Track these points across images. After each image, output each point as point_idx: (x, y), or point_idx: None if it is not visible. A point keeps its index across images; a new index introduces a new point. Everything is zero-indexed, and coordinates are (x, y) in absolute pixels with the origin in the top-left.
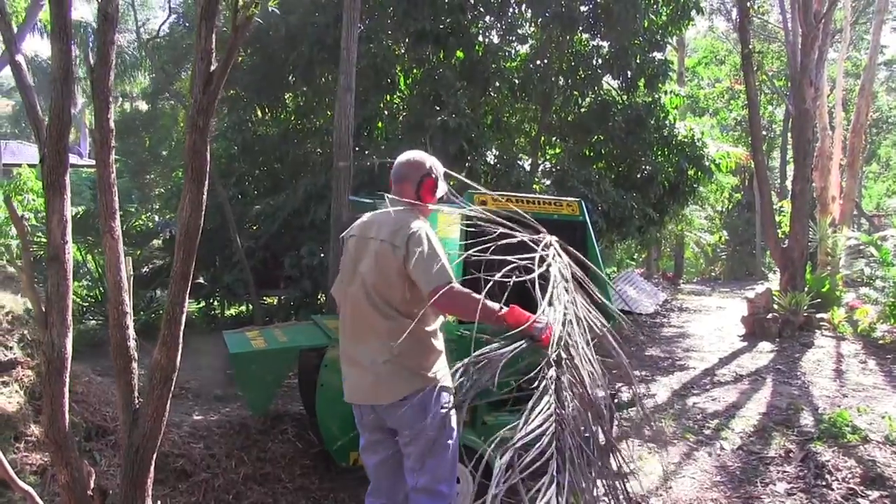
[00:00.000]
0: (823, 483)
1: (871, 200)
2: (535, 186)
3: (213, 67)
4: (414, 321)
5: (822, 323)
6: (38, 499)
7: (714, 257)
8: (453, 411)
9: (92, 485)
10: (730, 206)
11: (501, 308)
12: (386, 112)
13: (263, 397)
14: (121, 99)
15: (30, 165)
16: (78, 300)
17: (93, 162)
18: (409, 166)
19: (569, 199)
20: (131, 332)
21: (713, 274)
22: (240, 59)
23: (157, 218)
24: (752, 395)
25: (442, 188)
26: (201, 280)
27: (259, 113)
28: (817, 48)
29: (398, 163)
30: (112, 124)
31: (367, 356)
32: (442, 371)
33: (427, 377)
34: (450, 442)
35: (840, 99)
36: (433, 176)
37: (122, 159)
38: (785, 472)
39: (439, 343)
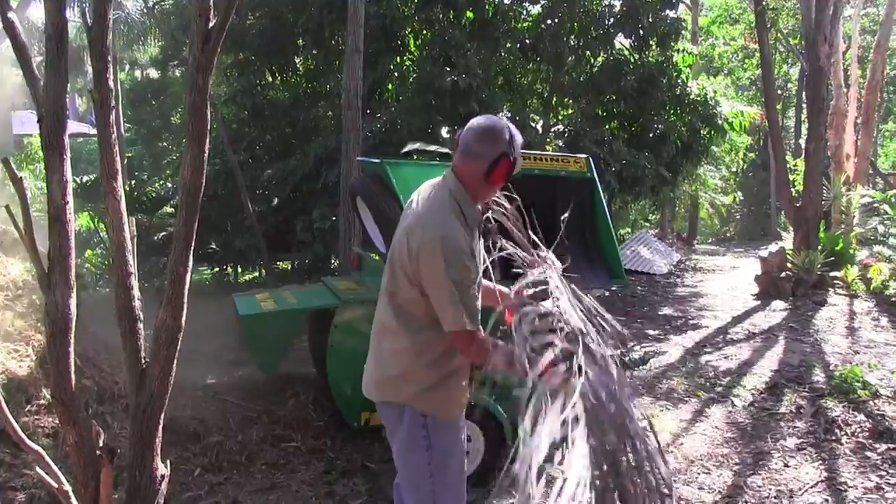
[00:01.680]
0: (833, 437)
1: (887, 159)
2: (547, 147)
3: (211, 24)
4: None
5: (835, 281)
6: (48, 458)
7: (728, 217)
8: (443, 449)
9: (100, 444)
10: (744, 166)
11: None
12: (396, 74)
13: (273, 359)
14: (128, 67)
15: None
16: (92, 268)
17: None
18: (486, 139)
19: (577, 155)
20: (136, 292)
21: (728, 234)
22: (248, 22)
23: (168, 185)
24: (765, 352)
25: (518, 168)
26: (213, 246)
27: (269, 77)
28: (832, 4)
29: (472, 130)
30: (111, 84)
31: (376, 349)
32: (438, 399)
33: (412, 395)
34: (419, 459)
35: (856, 56)
36: (512, 157)
37: (133, 127)
38: (796, 427)
39: (446, 366)
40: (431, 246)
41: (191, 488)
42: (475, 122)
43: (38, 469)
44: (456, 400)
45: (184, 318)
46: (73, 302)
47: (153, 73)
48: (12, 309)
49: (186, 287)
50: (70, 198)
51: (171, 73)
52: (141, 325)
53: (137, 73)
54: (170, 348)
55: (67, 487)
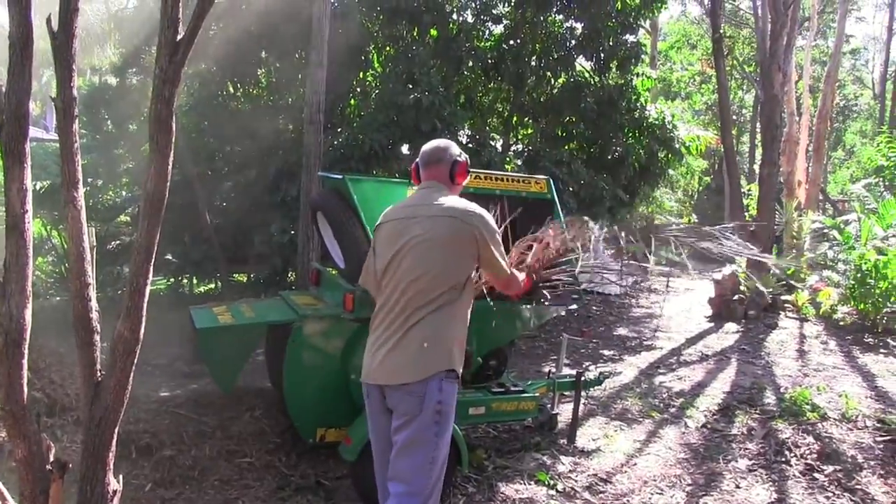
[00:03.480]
0: (783, 459)
1: (836, 186)
2: (506, 166)
3: (179, 37)
4: (457, 301)
5: (786, 305)
6: None
7: None
8: (452, 413)
9: (51, 459)
10: (699, 190)
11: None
12: (358, 89)
13: (230, 373)
14: (89, 72)
15: None
16: (42, 276)
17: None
18: (441, 150)
19: (537, 177)
20: (94, 303)
21: (682, 256)
22: (211, 32)
23: (124, 193)
24: (718, 374)
25: (470, 174)
26: (170, 257)
27: (230, 88)
28: (786, 35)
29: (428, 149)
30: (75, 93)
31: (397, 335)
32: (457, 353)
33: (447, 359)
34: (435, 441)
35: (807, 86)
36: (464, 159)
37: (88, 134)
38: (747, 449)
39: (465, 325)
40: (485, 220)
41: (142, 503)
42: (428, 145)
43: None
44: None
45: (142, 330)
46: (28, 312)
47: (111, 80)
48: None
49: (146, 299)
50: (29, 206)
51: (130, 81)
52: (98, 337)
53: (95, 79)
54: (127, 361)
55: (12, 502)
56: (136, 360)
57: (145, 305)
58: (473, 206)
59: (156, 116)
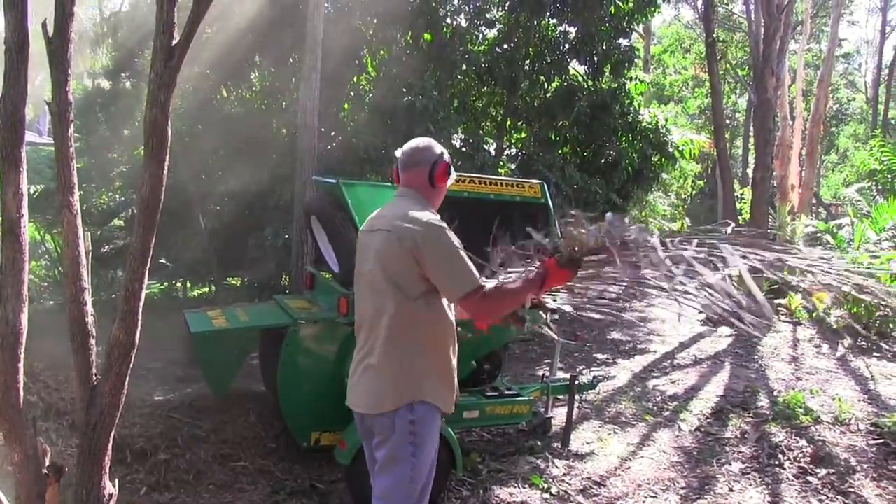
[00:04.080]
0: (776, 462)
1: (830, 189)
2: (500, 170)
3: (174, 41)
4: (416, 323)
5: (779, 308)
6: None
7: None
8: (434, 437)
9: (47, 462)
10: (693, 194)
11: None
12: (352, 94)
13: (224, 377)
14: (85, 76)
15: None
16: (36, 280)
17: (50, 140)
18: (421, 151)
19: (531, 181)
20: (89, 307)
21: None
22: (205, 35)
23: (118, 197)
24: (711, 377)
25: (453, 174)
26: (163, 261)
27: (224, 92)
28: (779, 39)
29: (407, 149)
30: (71, 97)
31: (360, 354)
32: (431, 387)
33: (415, 391)
34: (409, 461)
35: (800, 90)
36: (446, 159)
37: (83, 138)
38: (740, 452)
39: (437, 351)
40: (431, 228)
41: None
42: (407, 145)
43: None
44: (452, 384)
45: (138, 334)
46: (24, 316)
47: (104, 83)
48: None
49: (141, 303)
50: (25, 211)
51: (124, 84)
52: (93, 341)
53: (88, 83)
54: (122, 365)
55: None
56: (131, 364)
57: (141, 309)
58: (416, 218)
59: (151, 121)
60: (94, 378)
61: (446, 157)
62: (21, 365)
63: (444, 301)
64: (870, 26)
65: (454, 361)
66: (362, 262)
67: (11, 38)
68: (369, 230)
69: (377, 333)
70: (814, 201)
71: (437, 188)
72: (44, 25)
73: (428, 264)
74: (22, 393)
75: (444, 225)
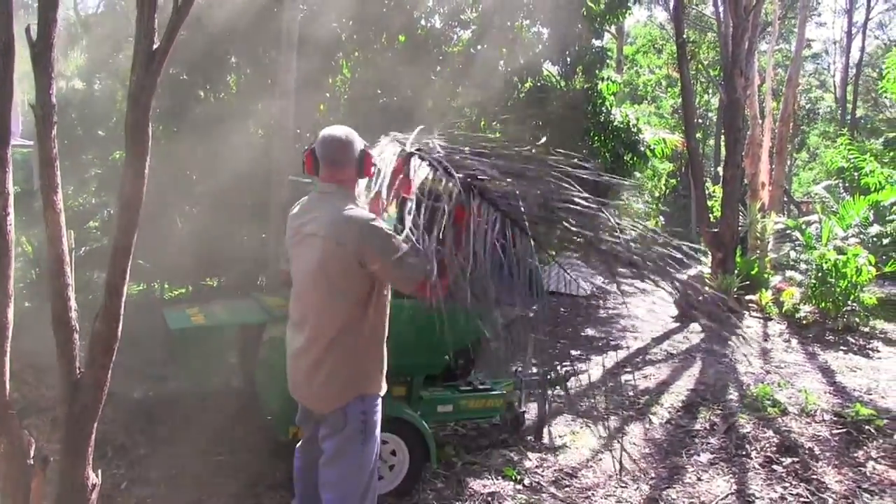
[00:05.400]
0: (744, 453)
1: (801, 187)
2: None
3: (155, 46)
4: (356, 322)
5: (750, 304)
6: None
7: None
8: (378, 423)
9: (32, 454)
10: (666, 192)
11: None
12: (328, 94)
13: (203, 373)
14: (59, 77)
15: None
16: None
17: (25, 141)
18: (346, 146)
19: None
20: (73, 303)
21: None
22: (181, 35)
23: (93, 200)
24: (683, 372)
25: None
26: (141, 261)
27: (202, 93)
28: (747, 40)
29: (329, 144)
30: (54, 100)
31: (307, 355)
32: (376, 378)
33: (365, 384)
34: (366, 447)
35: (770, 89)
36: (369, 150)
37: (57, 139)
38: (709, 443)
39: (379, 345)
40: (368, 230)
41: (115, 500)
42: (325, 137)
43: None
44: (384, 365)
45: (119, 329)
46: (10, 312)
47: (78, 84)
48: None
49: (123, 299)
50: (11, 210)
51: (99, 85)
52: (76, 336)
53: (63, 84)
54: (105, 358)
55: None
56: (113, 357)
57: (122, 305)
58: (353, 218)
59: (133, 123)
60: (78, 371)
61: (364, 145)
62: (7, 359)
63: (385, 292)
64: (836, 27)
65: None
66: (301, 262)
67: None
68: (300, 230)
69: (323, 333)
70: (785, 199)
71: (365, 176)
72: (27, 30)
73: (374, 264)
74: (8, 386)
75: (380, 221)
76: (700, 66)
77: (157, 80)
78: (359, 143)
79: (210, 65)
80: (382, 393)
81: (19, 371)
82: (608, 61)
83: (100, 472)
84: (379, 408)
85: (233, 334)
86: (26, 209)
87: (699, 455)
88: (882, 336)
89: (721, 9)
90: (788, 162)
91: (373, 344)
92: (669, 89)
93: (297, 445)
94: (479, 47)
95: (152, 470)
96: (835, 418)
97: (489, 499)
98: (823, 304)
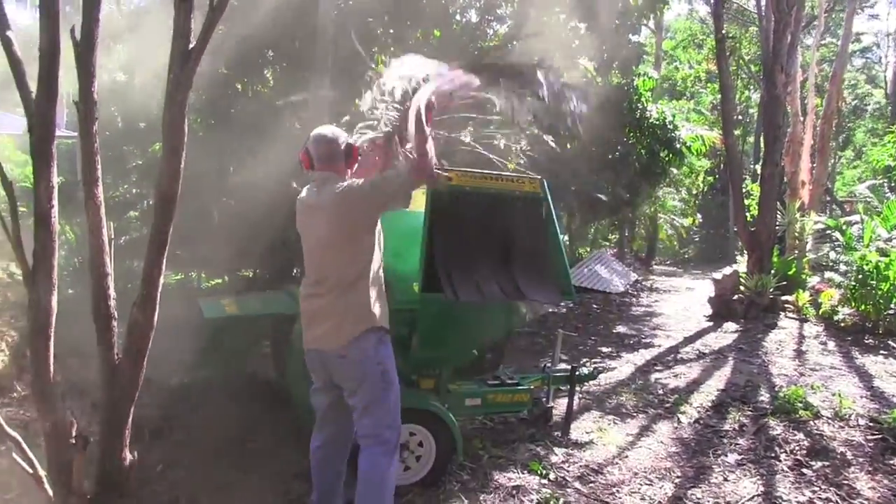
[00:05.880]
0: (772, 455)
1: (845, 186)
2: (508, 164)
3: (191, 45)
4: (361, 271)
5: (786, 305)
6: (24, 446)
7: (688, 239)
8: (392, 359)
9: (74, 434)
10: (704, 189)
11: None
12: (363, 89)
13: (236, 362)
14: (101, 70)
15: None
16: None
17: (69, 133)
18: (332, 145)
19: (531, 176)
20: (112, 292)
21: (686, 256)
22: (219, 30)
23: (133, 190)
24: (714, 372)
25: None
26: (179, 252)
27: (238, 87)
28: (789, 35)
29: (319, 145)
30: (96, 97)
31: (327, 304)
32: (382, 314)
33: (371, 319)
34: (391, 389)
35: (813, 85)
36: (351, 142)
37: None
38: (737, 444)
39: (381, 285)
40: (346, 189)
41: (152, 483)
42: (316, 137)
43: (14, 455)
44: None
45: (156, 317)
46: (53, 299)
47: (120, 77)
48: None
49: (159, 288)
50: (55, 202)
51: (138, 79)
52: (115, 323)
53: (105, 77)
54: (141, 345)
55: (42, 473)
56: (149, 345)
57: (158, 295)
58: (341, 186)
59: (169, 120)
60: (116, 357)
61: (349, 137)
62: (51, 344)
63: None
64: (891, 19)
65: None
66: (314, 232)
67: (45, 45)
68: (310, 207)
69: (342, 282)
70: (826, 198)
71: (349, 167)
72: (72, 31)
73: (365, 200)
74: (52, 370)
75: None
76: (741, 61)
77: (192, 79)
78: (343, 138)
79: (246, 59)
80: (387, 328)
81: (61, 355)
82: (645, 57)
83: (136, 453)
84: (392, 355)
85: (265, 324)
86: (70, 199)
87: (727, 455)
88: None
89: (763, 3)
90: (831, 160)
91: (375, 284)
92: (709, 85)
93: (314, 436)
94: (514, 42)
95: (186, 454)
96: (870, 424)
97: (514, 492)
98: (863, 307)
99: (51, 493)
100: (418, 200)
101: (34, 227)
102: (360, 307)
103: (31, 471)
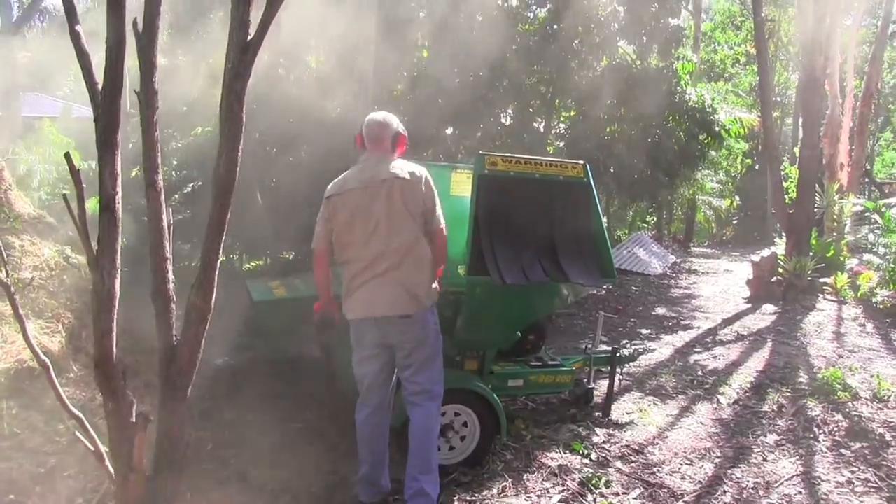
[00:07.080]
0: (811, 435)
1: (884, 168)
2: (548, 148)
3: (249, 37)
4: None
5: (825, 287)
6: (87, 423)
7: (726, 221)
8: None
9: (135, 412)
10: (742, 171)
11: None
12: (404, 73)
13: (284, 343)
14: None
15: (50, 119)
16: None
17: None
18: (384, 127)
19: (574, 161)
20: (171, 275)
21: (724, 238)
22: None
23: (175, 174)
24: (752, 354)
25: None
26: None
27: (281, 72)
28: (828, 17)
29: (372, 125)
30: (157, 87)
31: (396, 273)
32: (435, 293)
33: (431, 295)
34: (440, 348)
35: (852, 67)
36: (402, 131)
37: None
38: (776, 425)
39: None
40: (427, 178)
41: (202, 461)
42: (369, 121)
43: (77, 433)
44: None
45: (213, 300)
46: (117, 281)
47: (162, 61)
48: (45, 288)
49: (216, 272)
50: (119, 189)
51: (181, 61)
52: (174, 306)
53: None
54: (199, 327)
55: (103, 449)
56: (207, 327)
57: (216, 278)
58: (415, 167)
59: (227, 109)
60: (175, 338)
61: (401, 128)
62: (114, 325)
63: None
64: None
65: None
66: (376, 208)
67: (112, 38)
68: (369, 184)
69: (410, 253)
70: (865, 180)
71: (396, 153)
72: (134, 23)
73: (431, 200)
74: (115, 350)
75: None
76: (780, 43)
77: (250, 69)
78: (394, 125)
79: (289, 44)
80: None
81: (117, 336)
82: (684, 39)
83: (192, 431)
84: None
85: (312, 306)
86: (128, 184)
87: (766, 436)
88: None
89: None
90: (870, 142)
91: (433, 263)
92: (748, 66)
93: (359, 407)
94: (555, 26)
95: (235, 433)
96: None
97: (557, 471)
98: None
99: (112, 470)
100: (463, 185)
101: (98, 213)
102: (429, 274)
103: (92, 448)
